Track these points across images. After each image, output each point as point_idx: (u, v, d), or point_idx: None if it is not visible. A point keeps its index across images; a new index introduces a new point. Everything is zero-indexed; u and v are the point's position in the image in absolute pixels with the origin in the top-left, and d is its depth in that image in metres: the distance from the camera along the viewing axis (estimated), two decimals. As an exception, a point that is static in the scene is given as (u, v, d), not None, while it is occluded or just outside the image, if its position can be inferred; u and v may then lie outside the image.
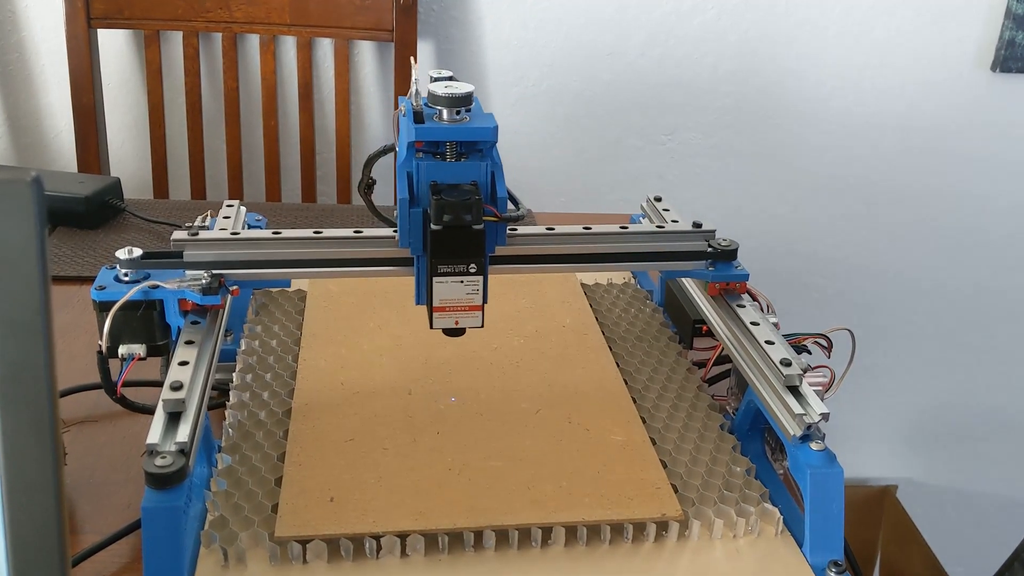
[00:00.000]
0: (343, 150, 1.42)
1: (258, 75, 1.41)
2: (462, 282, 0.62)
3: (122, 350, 0.64)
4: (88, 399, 0.75)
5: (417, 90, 0.63)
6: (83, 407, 0.74)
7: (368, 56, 1.43)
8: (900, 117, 1.51)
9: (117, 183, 1.12)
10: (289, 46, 1.41)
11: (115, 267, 0.66)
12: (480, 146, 0.62)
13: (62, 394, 0.74)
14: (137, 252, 0.66)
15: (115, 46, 1.40)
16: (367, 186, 0.70)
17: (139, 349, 0.65)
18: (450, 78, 0.64)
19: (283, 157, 1.46)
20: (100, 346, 0.63)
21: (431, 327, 0.64)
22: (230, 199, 1.02)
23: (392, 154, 0.70)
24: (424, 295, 0.64)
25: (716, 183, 1.54)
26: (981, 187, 1.56)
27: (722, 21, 1.42)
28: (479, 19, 1.41)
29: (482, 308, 0.63)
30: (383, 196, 1.34)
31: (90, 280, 0.94)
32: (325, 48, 1.42)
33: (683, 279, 0.81)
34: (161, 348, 0.66)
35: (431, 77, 0.64)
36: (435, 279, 0.62)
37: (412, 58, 0.61)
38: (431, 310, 0.63)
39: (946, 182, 1.56)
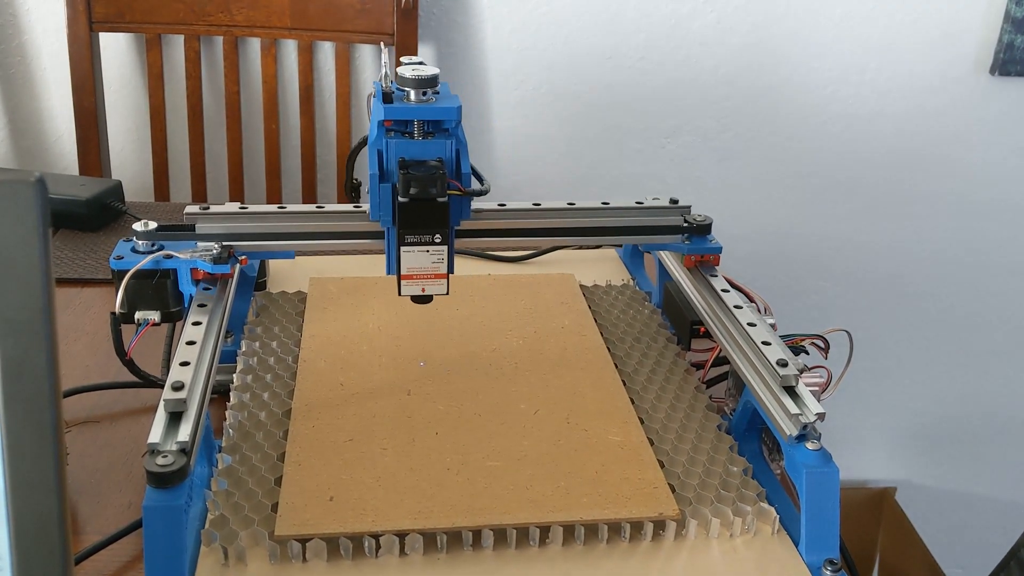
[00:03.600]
0: (344, 153, 1.42)
1: (259, 78, 1.41)
2: (428, 251, 0.66)
3: (138, 315, 0.69)
4: (90, 400, 0.75)
5: (386, 72, 0.66)
6: (85, 408, 0.75)
7: (369, 59, 1.44)
8: (899, 120, 1.51)
9: (118, 186, 1.12)
10: (290, 49, 1.42)
11: (132, 239, 0.71)
12: (445, 125, 0.67)
13: (64, 395, 0.74)
14: (152, 225, 0.71)
15: (116, 49, 1.40)
16: (353, 189, 0.75)
17: (153, 315, 0.69)
18: (419, 63, 0.67)
19: (284, 160, 1.47)
20: (115, 311, 0.67)
21: (399, 294, 0.68)
22: (231, 201, 1.03)
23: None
24: (394, 265, 0.68)
25: (716, 186, 1.55)
26: (980, 190, 1.57)
27: (721, 24, 1.43)
28: (480, 22, 1.42)
29: (447, 277, 0.68)
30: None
31: (91, 283, 0.95)
32: (326, 51, 1.42)
33: (680, 281, 0.82)
34: (174, 315, 0.70)
35: (401, 62, 0.67)
36: (403, 249, 0.66)
37: (382, 44, 0.66)
38: (399, 278, 0.68)
39: (945, 185, 1.56)
